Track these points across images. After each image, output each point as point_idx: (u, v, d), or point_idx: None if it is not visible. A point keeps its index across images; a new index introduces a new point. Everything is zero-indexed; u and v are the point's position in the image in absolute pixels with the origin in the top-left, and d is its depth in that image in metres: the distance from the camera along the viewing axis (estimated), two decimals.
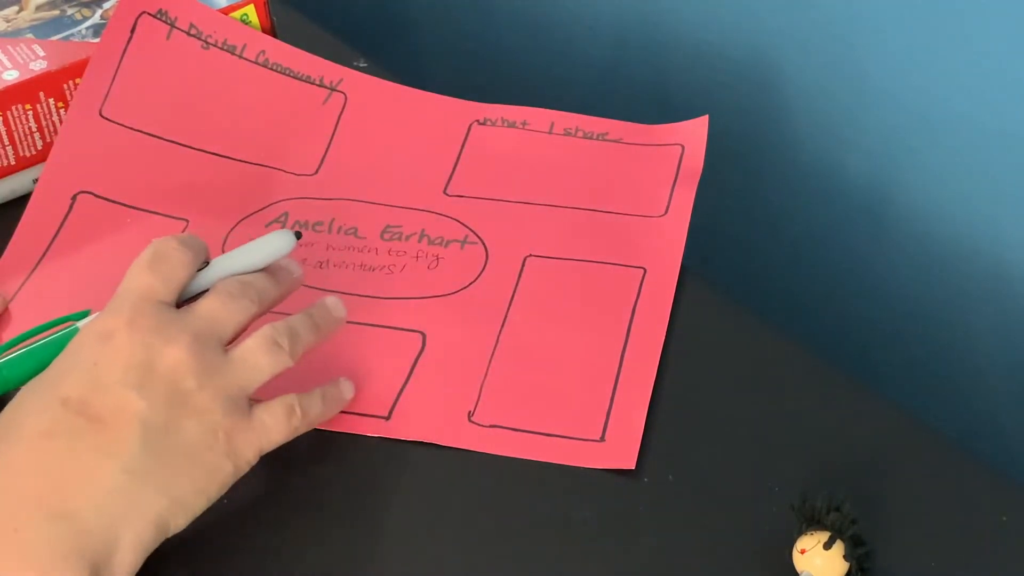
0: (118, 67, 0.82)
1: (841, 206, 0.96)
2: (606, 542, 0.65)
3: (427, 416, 0.70)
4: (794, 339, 0.74)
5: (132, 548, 0.58)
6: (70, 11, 0.86)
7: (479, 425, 0.70)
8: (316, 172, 0.83)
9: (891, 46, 0.88)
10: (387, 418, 0.70)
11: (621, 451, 0.68)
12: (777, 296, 1.01)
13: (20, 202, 0.83)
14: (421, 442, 0.69)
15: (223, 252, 0.77)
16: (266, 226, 0.80)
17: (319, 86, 0.87)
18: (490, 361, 0.73)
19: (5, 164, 0.83)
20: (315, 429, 0.68)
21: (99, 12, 0.86)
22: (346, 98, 0.87)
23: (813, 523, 0.61)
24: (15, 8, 0.87)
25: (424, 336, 0.74)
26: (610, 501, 0.66)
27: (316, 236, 0.79)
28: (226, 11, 0.87)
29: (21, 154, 0.83)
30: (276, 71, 0.87)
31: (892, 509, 0.65)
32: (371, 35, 1.20)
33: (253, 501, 0.67)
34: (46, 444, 0.58)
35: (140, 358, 0.61)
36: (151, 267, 0.64)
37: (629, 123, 0.86)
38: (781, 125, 0.97)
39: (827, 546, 0.60)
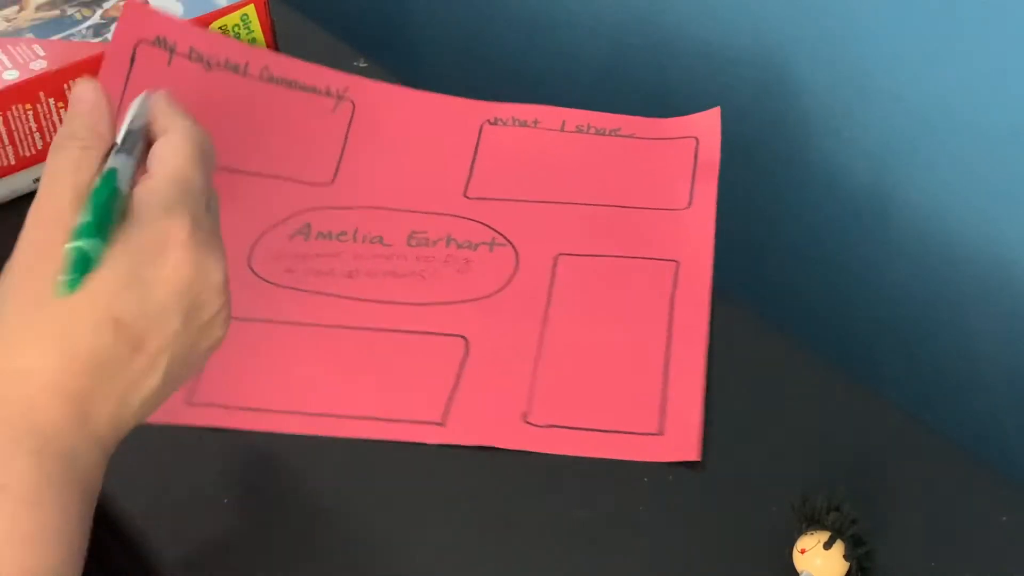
0: (121, 97, 0.82)
1: (842, 206, 0.96)
2: (606, 542, 0.65)
3: (482, 420, 0.70)
4: (794, 339, 0.74)
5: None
6: (70, 11, 0.86)
7: (535, 426, 0.69)
8: (333, 181, 0.83)
9: (892, 46, 0.88)
10: (442, 424, 0.70)
11: (681, 443, 0.68)
12: (777, 296, 1.01)
13: (20, 202, 0.83)
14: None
15: (249, 265, 0.76)
16: (290, 237, 0.79)
17: (326, 95, 0.87)
18: (536, 361, 0.72)
19: (5, 164, 0.83)
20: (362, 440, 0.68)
21: (99, 12, 0.86)
22: (354, 105, 0.87)
23: (813, 523, 0.61)
24: (15, 8, 0.87)
25: (466, 340, 0.73)
26: (610, 501, 0.66)
27: (342, 246, 0.79)
28: (226, 11, 0.87)
29: (21, 154, 0.83)
30: (281, 85, 0.86)
31: (892, 509, 0.65)
32: (371, 35, 1.20)
33: (262, 505, 0.67)
34: (97, 374, 0.57)
35: (187, 283, 0.58)
36: (202, 165, 0.61)
37: (641, 118, 0.86)
38: (782, 125, 0.97)
39: (827, 546, 0.60)
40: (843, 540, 0.60)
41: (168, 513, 0.64)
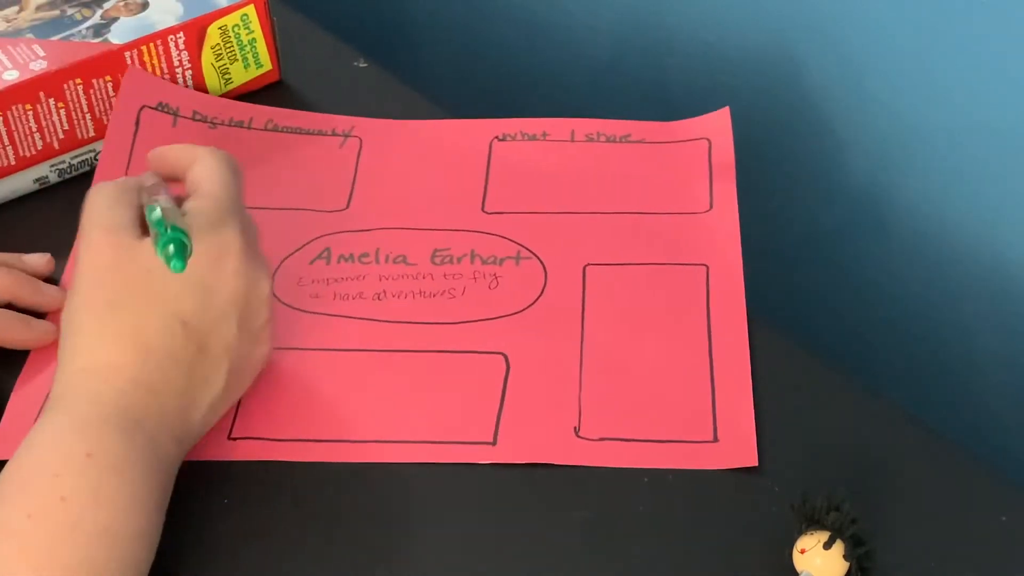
0: (128, 161, 0.82)
1: (841, 206, 0.96)
2: (606, 542, 0.65)
3: (533, 437, 0.69)
4: (794, 339, 0.74)
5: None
6: (70, 11, 0.86)
7: (587, 440, 0.69)
8: (347, 207, 0.82)
9: (890, 46, 0.88)
10: (493, 443, 0.69)
11: (738, 450, 0.68)
12: (777, 296, 1.01)
13: (20, 202, 0.83)
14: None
15: (273, 293, 0.75)
16: (310, 263, 0.78)
17: (332, 135, 0.87)
18: (580, 374, 0.72)
19: (5, 164, 0.83)
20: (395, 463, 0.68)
21: (99, 12, 0.86)
22: (361, 141, 0.86)
23: (813, 523, 0.61)
24: (15, 8, 0.87)
25: (506, 357, 0.72)
26: (610, 501, 0.66)
27: (366, 268, 0.78)
28: (226, 11, 0.87)
29: (21, 154, 0.83)
30: (287, 132, 0.86)
31: (892, 509, 0.65)
32: (371, 35, 1.20)
33: (263, 505, 0.67)
34: (170, 369, 0.64)
35: (243, 290, 0.66)
36: (236, 181, 0.69)
37: (649, 122, 0.86)
38: (781, 125, 0.97)
39: (827, 546, 0.60)
40: (843, 540, 0.60)
41: (168, 513, 0.64)
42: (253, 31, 0.88)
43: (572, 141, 0.85)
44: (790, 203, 0.99)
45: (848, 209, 0.96)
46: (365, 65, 0.91)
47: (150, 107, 0.84)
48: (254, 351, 0.68)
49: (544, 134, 0.86)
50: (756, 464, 0.67)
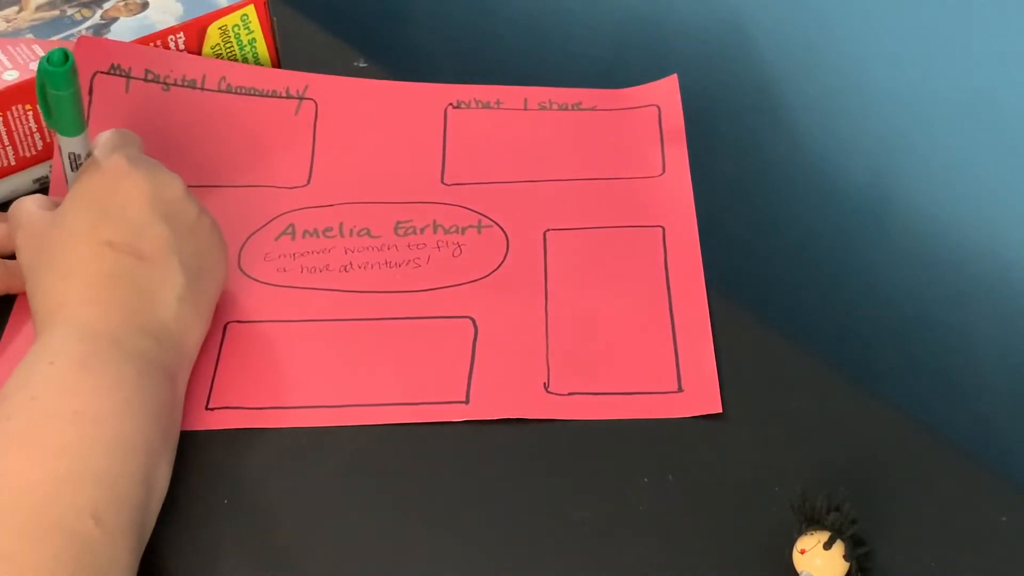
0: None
1: (841, 206, 0.96)
2: (606, 542, 0.65)
3: (504, 394, 0.71)
4: (794, 339, 0.74)
5: (192, 358, 0.71)
6: (70, 11, 0.87)
7: (557, 395, 0.71)
8: (308, 183, 0.84)
9: (891, 45, 0.88)
10: (466, 402, 0.71)
11: (702, 398, 0.70)
12: (777, 296, 1.01)
13: None
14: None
15: (241, 269, 0.78)
16: (275, 239, 0.80)
17: (286, 98, 0.87)
18: (547, 333, 0.74)
19: (5, 164, 0.83)
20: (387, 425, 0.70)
21: (99, 12, 0.86)
22: (316, 104, 0.87)
23: (813, 523, 0.61)
24: (15, 8, 0.87)
25: (474, 320, 0.75)
26: (610, 501, 0.66)
27: (330, 241, 0.80)
28: (226, 11, 0.87)
29: (21, 154, 0.83)
30: (241, 94, 0.87)
31: (892, 509, 0.65)
32: (371, 35, 1.20)
33: (263, 505, 0.67)
34: (114, 283, 0.68)
35: (150, 196, 0.70)
36: (122, 136, 0.75)
37: (600, 90, 0.88)
38: (782, 125, 0.97)
39: (827, 546, 0.60)
40: (843, 540, 0.60)
41: (168, 513, 0.64)
42: (253, 31, 0.88)
43: (525, 109, 0.88)
44: (790, 202, 0.99)
45: (849, 208, 0.96)
46: (365, 65, 0.91)
47: (103, 72, 0.83)
48: (202, 243, 0.72)
49: (498, 102, 0.88)
50: (720, 411, 0.69)
